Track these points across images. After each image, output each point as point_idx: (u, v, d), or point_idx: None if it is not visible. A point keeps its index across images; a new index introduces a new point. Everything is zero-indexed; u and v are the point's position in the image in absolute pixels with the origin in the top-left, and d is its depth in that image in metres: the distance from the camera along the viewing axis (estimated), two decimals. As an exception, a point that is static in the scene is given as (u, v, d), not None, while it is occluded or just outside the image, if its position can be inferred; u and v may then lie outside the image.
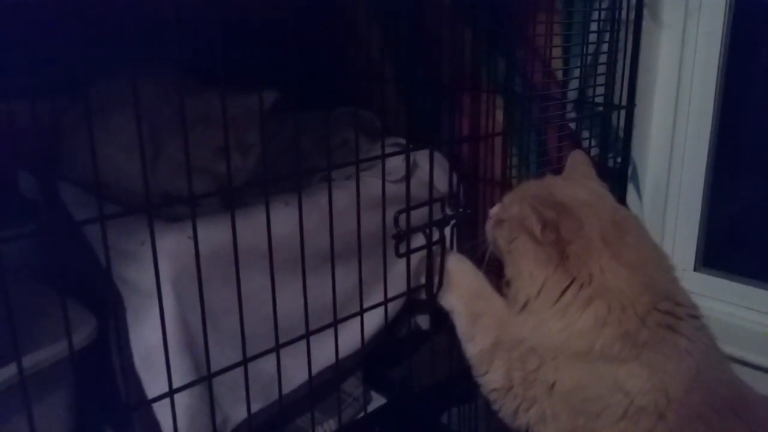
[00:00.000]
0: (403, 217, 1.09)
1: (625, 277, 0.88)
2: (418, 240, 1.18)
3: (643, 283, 0.89)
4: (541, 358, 0.92)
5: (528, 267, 0.93)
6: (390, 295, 1.16)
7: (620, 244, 0.90)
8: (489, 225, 1.04)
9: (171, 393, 0.83)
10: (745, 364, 1.38)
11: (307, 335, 0.98)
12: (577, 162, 1.05)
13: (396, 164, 1.33)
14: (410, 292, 1.18)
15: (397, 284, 1.18)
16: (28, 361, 0.97)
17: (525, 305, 0.94)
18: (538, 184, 1.03)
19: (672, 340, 0.87)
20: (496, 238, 1.01)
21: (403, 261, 1.13)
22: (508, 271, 0.99)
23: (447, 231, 1.24)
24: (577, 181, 1.01)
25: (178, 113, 0.79)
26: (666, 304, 0.89)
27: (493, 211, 1.04)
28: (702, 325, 0.93)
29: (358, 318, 1.11)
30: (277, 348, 0.94)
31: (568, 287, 0.90)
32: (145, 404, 0.96)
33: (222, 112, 0.83)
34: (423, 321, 1.57)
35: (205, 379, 0.89)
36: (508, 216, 0.98)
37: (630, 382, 0.86)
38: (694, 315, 0.92)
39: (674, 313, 0.89)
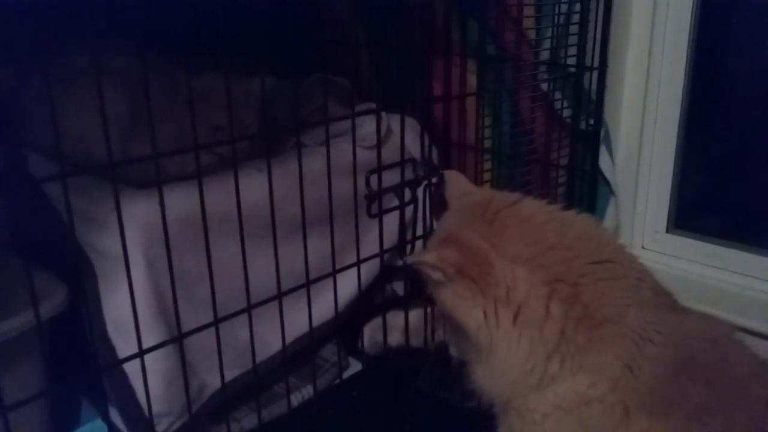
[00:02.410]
0: (374, 177, 1.09)
1: (525, 278, 0.85)
2: (393, 204, 1.18)
3: (545, 282, 0.84)
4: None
5: (463, 312, 0.88)
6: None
7: (503, 243, 0.86)
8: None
9: (141, 353, 0.82)
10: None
11: (279, 296, 0.98)
12: (454, 183, 1.00)
13: (369, 130, 1.32)
14: (383, 252, 1.18)
15: (372, 251, 1.17)
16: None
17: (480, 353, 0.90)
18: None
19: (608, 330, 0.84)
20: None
21: (376, 229, 1.13)
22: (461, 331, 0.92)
23: (420, 194, 1.24)
24: (457, 207, 0.97)
25: (165, 88, 0.78)
26: (579, 305, 0.84)
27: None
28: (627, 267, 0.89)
29: (333, 287, 1.10)
30: (248, 308, 0.94)
31: (496, 311, 0.86)
32: (116, 364, 0.95)
33: (187, 88, 0.82)
34: (399, 287, 1.58)
35: (177, 339, 0.88)
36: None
37: (590, 390, 0.85)
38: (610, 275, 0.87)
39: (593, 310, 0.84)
